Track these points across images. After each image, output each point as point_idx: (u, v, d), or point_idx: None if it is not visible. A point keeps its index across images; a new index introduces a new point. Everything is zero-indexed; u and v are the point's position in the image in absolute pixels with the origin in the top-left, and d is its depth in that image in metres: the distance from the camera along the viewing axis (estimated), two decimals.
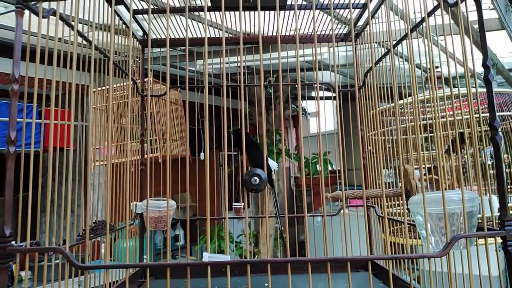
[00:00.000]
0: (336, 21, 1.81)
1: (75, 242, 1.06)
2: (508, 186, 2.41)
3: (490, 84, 0.88)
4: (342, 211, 1.28)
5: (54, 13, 0.93)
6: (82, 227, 1.15)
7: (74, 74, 0.97)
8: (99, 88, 1.94)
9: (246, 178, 0.92)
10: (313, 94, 6.01)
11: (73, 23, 1.02)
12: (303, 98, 5.87)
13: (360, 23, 1.68)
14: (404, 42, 1.31)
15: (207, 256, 0.85)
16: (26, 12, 0.88)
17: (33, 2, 0.87)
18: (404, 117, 2.29)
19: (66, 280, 0.85)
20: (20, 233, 0.86)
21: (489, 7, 2.94)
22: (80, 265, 0.82)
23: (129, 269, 1.46)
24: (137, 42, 1.67)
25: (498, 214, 0.86)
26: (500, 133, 0.87)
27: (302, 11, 1.56)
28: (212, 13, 1.57)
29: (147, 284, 0.86)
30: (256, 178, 0.91)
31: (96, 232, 1.22)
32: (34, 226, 0.92)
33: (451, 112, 2.14)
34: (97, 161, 1.99)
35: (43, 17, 0.88)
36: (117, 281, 1.40)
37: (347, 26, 1.77)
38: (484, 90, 0.92)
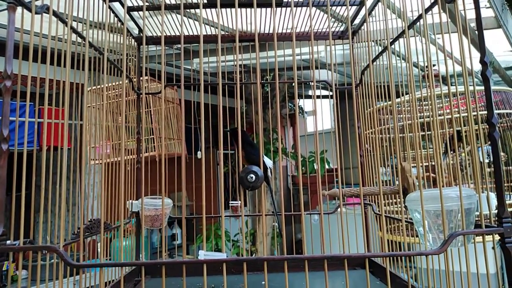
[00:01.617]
0: (333, 19, 1.80)
1: (69, 241, 1.05)
2: (505, 184, 2.41)
3: (488, 81, 0.87)
4: (339, 209, 1.27)
5: (47, 9, 0.92)
6: (78, 226, 1.14)
7: (68, 72, 0.96)
8: (94, 87, 1.93)
9: (242, 175, 0.92)
10: (310, 92, 6.01)
11: (67, 20, 1.01)
12: (300, 96, 5.87)
13: (356, 21, 1.68)
14: (401, 40, 1.30)
15: (203, 254, 0.84)
16: (19, 8, 0.87)
17: None
18: (401, 115, 2.29)
19: (60, 279, 0.84)
20: (15, 232, 0.85)
21: (485, 5, 2.94)
22: (74, 264, 0.81)
23: (125, 268, 1.46)
24: (133, 40, 1.66)
25: (496, 211, 0.86)
26: (498, 130, 0.87)
27: (299, 9, 1.55)
28: (207, 10, 1.56)
29: (142, 282, 0.85)
30: (252, 175, 0.91)
31: (91, 231, 1.20)
32: (28, 225, 0.91)
33: (447, 110, 2.14)
34: (92, 160, 1.98)
35: (36, 13, 0.87)
36: (113, 280, 1.39)
37: (343, 24, 1.77)
38: (481, 88, 0.92)
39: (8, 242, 0.82)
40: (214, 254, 0.87)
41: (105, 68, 1.01)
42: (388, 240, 1.70)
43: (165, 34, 1.70)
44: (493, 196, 0.90)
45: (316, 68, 3.19)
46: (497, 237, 0.86)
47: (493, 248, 0.94)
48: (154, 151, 2.51)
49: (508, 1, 3.37)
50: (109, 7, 1.30)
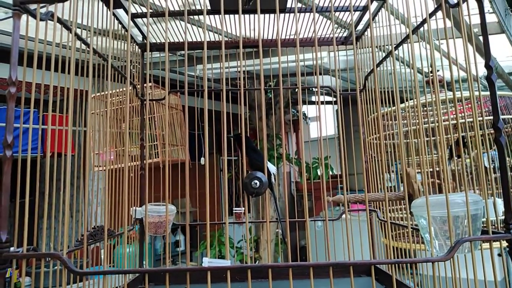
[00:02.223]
0: (336, 25, 1.81)
1: (73, 248, 1.04)
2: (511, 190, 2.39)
3: (493, 85, 0.86)
4: (343, 215, 1.26)
5: (52, 16, 0.93)
6: (81, 233, 1.14)
7: (72, 79, 0.97)
8: (98, 94, 1.94)
9: (246, 181, 0.91)
10: (313, 98, 6.01)
11: (71, 27, 1.01)
12: (303, 102, 5.87)
13: (360, 27, 1.68)
14: (404, 46, 1.30)
15: (207, 261, 0.83)
16: (24, 16, 0.87)
17: (30, 5, 0.86)
18: (405, 121, 2.28)
19: (64, 286, 0.83)
20: (18, 239, 0.85)
21: (488, 10, 2.94)
22: (77, 271, 0.80)
23: (128, 275, 1.45)
24: (137, 47, 1.67)
25: (503, 217, 0.85)
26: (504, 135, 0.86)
27: (302, 14, 1.55)
28: (211, 17, 1.57)
29: None
30: (256, 181, 0.90)
31: (95, 238, 1.20)
32: (31, 232, 0.91)
33: (451, 116, 2.13)
34: (96, 166, 1.98)
35: (41, 19, 0.87)
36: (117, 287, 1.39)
37: (347, 30, 1.77)
38: (486, 93, 0.91)
39: (11, 249, 0.82)
40: (219, 262, 0.86)
41: (109, 75, 1.01)
42: (393, 247, 1.69)
43: (169, 41, 1.71)
44: (499, 202, 0.89)
45: (320, 74, 3.20)
46: (504, 244, 0.85)
47: (499, 255, 0.93)
48: (158, 157, 2.51)
49: (511, 7, 3.37)
50: (113, 14, 1.31)
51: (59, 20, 0.98)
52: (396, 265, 1.39)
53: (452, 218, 0.85)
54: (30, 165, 0.85)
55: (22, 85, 0.89)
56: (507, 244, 0.83)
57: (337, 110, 5.28)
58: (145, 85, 1.76)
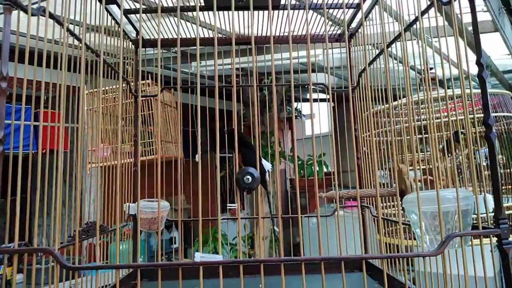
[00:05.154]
0: (330, 22, 1.81)
1: (65, 243, 1.04)
2: (503, 187, 2.41)
3: (484, 82, 0.87)
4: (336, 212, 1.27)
5: (44, 11, 0.92)
6: (74, 229, 1.14)
7: (64, 75, 0.96)
8: (91, 90, 1.93)
9: (238, 176, 0.91)
10: (308, 96, 6.01)
11: (63, 22, 1.01)
12: (298, 100, 5.87)
13: (353, 25, 1.68)
14: (397, 43, 1.31)
15: (199, 256, 0.84)
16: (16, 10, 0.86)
17: None
18: (398, 118, 2.29)
19: (56, 282, 0.83)
20: (9, 236, 0.85)
21: (482, 9, 2.96)
22: (69, 266, 0.80)
23: (122, 271, 1.45)
24: (130, 43, 1.66)
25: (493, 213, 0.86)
26: (494, 132, 0.87)
27: (296, 12, 1.55)
28: (204, 13, 1.56)
29: (138, 285, 0.85)
30: (248, 176, 0.90)
31: (88, 234, 1.20)
32: (23, 229, 0.91)
33: (445, 113, 2.15)
34: (90, 163, 1.97)
35: (33, 14, 0.87)
36: (110, 284, 1.39)
37: (341, 27, 1.77)
38: (478, 91, 0.92)
39: (3, 246, 0.81)
40: (211, 256, 0.86)
41: (101, 71, 1.01)
42: (386, 243, 1.70)
43: (162, 37, 1.70)
44: (490, 197, 0.90)
45: (314, 71, 3.20)
46: (493, 241, 0.86)
47: (491, 251, 0.94)
48: (153, 154, 2.50)
49: (505, 5, 3.38)
50: (106, 9, 1.30)
51: (51, 15, 0.98)
52: (389, 261, 1.40)
53: (443, 214, 0.86)
54: (22, 162, 0.85)
55: (13, 81, 0.88)
56: (496, 239, 0.84)
57: (333, 107, 5.30)
58: (142, 82, 1.75)
